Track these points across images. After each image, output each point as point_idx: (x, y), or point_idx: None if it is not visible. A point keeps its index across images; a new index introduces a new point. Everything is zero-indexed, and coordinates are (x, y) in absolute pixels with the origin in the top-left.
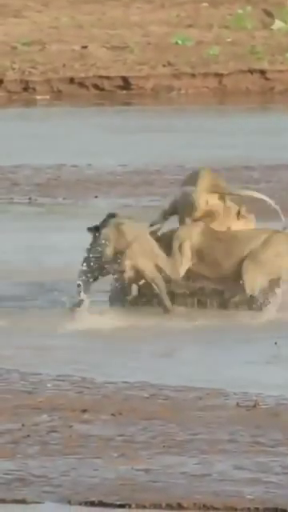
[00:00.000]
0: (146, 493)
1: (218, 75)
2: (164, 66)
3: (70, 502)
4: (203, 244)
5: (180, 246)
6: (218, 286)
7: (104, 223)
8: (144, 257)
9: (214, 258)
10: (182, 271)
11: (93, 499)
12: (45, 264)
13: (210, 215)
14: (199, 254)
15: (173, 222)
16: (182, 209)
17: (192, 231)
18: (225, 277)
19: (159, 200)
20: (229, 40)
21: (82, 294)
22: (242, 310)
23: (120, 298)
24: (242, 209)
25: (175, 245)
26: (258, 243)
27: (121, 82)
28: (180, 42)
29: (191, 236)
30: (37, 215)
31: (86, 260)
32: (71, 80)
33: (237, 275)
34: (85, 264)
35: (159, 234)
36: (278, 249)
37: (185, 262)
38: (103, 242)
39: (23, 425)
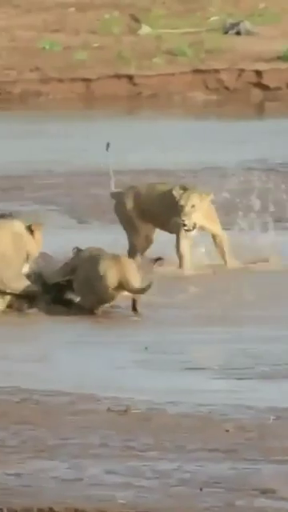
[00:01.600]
0: (18, 497)
1: (86, 80)
2: (31, 70)
3: None
4: None
5: None
6: None
7: None
8: None
9: None
10: None
11: None
12: None
13: None
14: None
15: None
16: None
17: None
18: None
19: (29, 205)
20: (96, 45)
21: None
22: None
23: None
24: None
25: None
26: None
27: None
28: (47, 46)
29: None
30: None
31: None
32: None
33: None
34: None
35: None
36: None
37: None
38: None
39: None
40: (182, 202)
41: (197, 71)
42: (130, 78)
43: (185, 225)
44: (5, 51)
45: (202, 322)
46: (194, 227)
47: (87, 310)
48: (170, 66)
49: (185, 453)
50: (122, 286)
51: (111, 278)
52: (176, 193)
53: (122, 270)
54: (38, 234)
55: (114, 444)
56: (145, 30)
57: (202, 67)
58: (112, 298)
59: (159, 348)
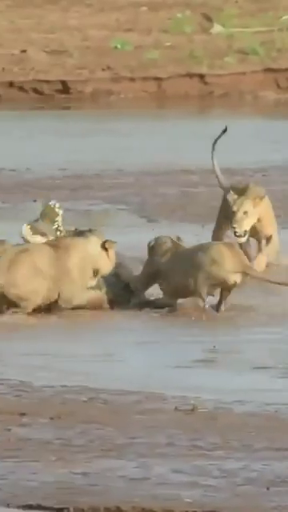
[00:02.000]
0: (85, 496)
1: (157, 79)
2: (103, 70)
3: (8, 506)
4: None
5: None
6: None
7: None
8: None
9: None
10: None
11: (31, 503)
12: None
13: None
14: None
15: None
16: None
17: None
18: None
19: (99, 204)
20: (168, 44)
21: None
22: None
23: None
24: None
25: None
26: None
27: (60, 86)
28: (119, 46)
29: None
30: None
31: None
32: (10, 84)
33: None
34: None
35: None
36: None
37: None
38: None
39: None
40: (234, 209)
41: (268, 70)
42: (201, 77)
43: (235, 232)
44: (77, 50)
45: (267, 322)
46: (245, 234)
47: (165, 305)
48: (241, 65)
49: (251, 452)
50: (242, 269)
51: (232, 263)
52: (230, 198)
53: (238, 255)
54: (111, 251)
55: (180, 443)
56: (217, 28)
57: (274, 66)
58: (233, 284)
59: (226, 347)
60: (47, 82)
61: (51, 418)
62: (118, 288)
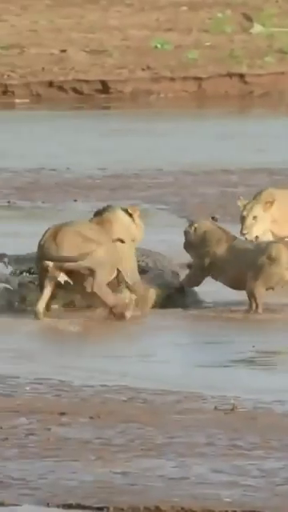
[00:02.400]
0: (124, 496)
1: (197, 79)
2: (143, 69)
3: (48, 505)
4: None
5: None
6: None
7: None
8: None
9: None
10: None
11: (71, 502)
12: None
13: None
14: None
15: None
16: None
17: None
18: None
19: (138, 204)
20: (208, 44)
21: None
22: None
23: None
24: None
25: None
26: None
27: (100, 86)
28: (159, 45)
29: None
30: (16, 219)
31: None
32: (50, 84)
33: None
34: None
35: None
36: None
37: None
38: None
39: (1, 427)
40: (243, 214)
41: None
42: (241, 76)
43: (246, 238)
44: (117, 50)
45: None
46: (256, 239)
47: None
48: (281, 65)
49: None
50: None
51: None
52: (240, 203)
53: None
54: (136, 217)
55: (220, 443)
56: (257, 28)
57: None
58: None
59: (266, 347)
60: (87, 81)
61: (91, 418)
62: (170, 288)
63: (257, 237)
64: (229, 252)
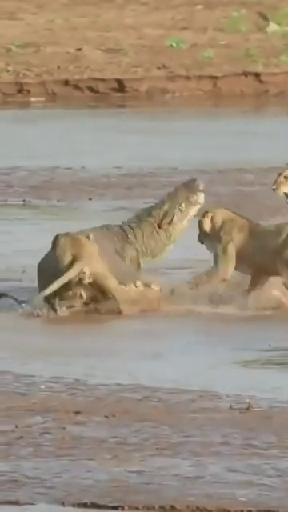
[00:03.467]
0: (139, 495)
1: (213, 78)
2: (159, 68)
3: (62, 504)
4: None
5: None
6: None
7: None
8: None
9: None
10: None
11: (86, 501)
12: None
13: None
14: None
15: None
16: None
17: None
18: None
19: (153, 202)
20: (223, 43)
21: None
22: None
23: None
24: None
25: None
26: None
27: (115, 85)
28: (174, 44)
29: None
30: (31, 217)
31: None
32: (66, 82)
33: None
34: None
35: None
36: None
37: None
38: None
39: (16, 426)
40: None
41: None
42: (256, 75)
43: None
44: (132, 49)
45: None
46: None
47: None
48: None
49: None
50: None
51: None
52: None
53: None
54: None
55: (235, 442)
56: (272, 27)
57: None
58: None
59: (282, 345)
60: (102, 80)
61: (106, 417)
62: None
63: (285, 194)
64: (253, 238)
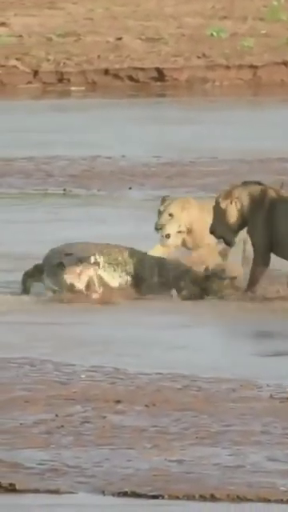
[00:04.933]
0: (179, 484)
1: (253, 67)
2: (198, 57)
3: (103, 493)
4: None
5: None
6: None
7: None
8: None
9: None
10: None
11: (126, 490)
12: None
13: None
14: None
15: None
16: None
17: None
18: None
19: (193, 192)
20: (263, 32)
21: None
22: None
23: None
24: None
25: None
26: None
27: (155, 74)
28: (215, 33)
29: None
30: (71, 206)
31: None
32: (106, 71)
33: None
34: None
35: None
36: None
37: None
38: None
39: (57, 415)
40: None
41: None
42: None
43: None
44: (173, 38)
45: None
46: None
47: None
48: None
49: None
50: None
51: None
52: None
53: None
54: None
55: (275, 431)
56: None
57: None
58: None
59: None
60: (142, 69)
61: (146, 406)
62: None
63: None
64: None
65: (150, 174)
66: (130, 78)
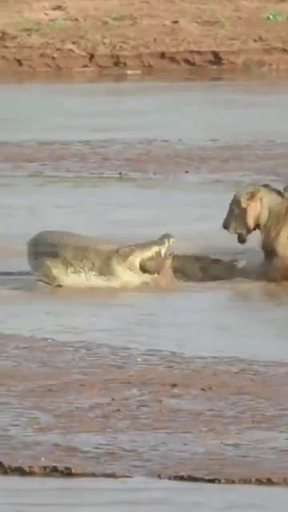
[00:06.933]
0: (236, 468)
1: None
2: (255, 40)
3: (159, 477)
4: None
5: None
6: None
7: None
8: None
9: None
10: None
11: (182, 474)
12: (138, 239)
13: None
14: None
15: None
16: None
17: None
18: None
19: (249, 175)
20: None
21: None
22: None
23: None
24: None
25: None
26: None
27: (212, 57)
28: (271, 16)
29: None
30: (127, 190)
31: None
32: (162, 55)
33: None
34: None
35: None
36: None
37: None
38: None
39: (113, 399)
40: None
41: None
42: None
43: None
44: (229, 21)
45: None
46: None
47: None
48: None
49: None
50: None
51: None
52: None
53: None
54: None
55: None
56: None
57: None
58: None
59: None
60: (199, 52)
61: (202, 389)
62: None
63: None
64: None
65: (206, 157)
66: (187, 62)
